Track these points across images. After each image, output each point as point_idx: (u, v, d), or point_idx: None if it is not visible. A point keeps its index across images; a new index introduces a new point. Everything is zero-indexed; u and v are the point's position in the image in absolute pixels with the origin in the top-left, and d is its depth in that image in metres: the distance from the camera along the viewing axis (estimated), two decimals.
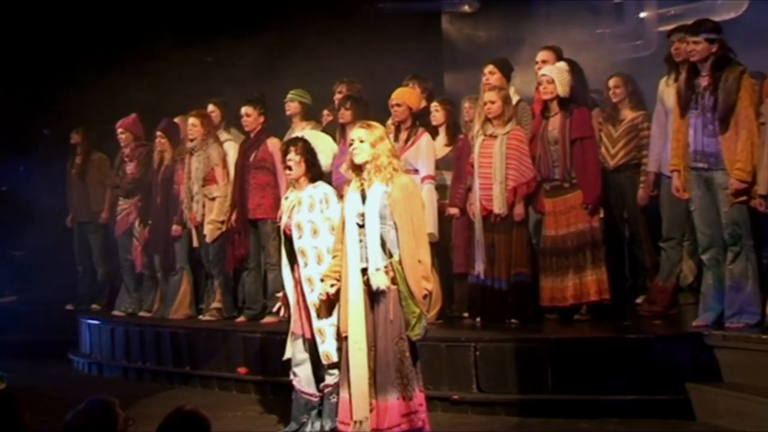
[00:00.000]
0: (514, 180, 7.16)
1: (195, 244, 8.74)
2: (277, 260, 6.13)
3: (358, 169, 5.08)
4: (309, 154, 5.56)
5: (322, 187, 5.61)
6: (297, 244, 5.55)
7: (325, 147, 5.71)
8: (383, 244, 4.98)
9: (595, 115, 7.53)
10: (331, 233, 5.39)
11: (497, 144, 7.20)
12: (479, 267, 7.25)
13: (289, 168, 5.57)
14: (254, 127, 8.27)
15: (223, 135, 8.85)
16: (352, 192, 5.10)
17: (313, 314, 5.42)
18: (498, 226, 7.22)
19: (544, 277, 7.16)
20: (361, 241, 5.00)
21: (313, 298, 5.39)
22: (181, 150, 8.88)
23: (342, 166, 5.23)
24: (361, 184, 5.07)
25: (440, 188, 7.58)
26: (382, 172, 5.01)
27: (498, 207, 7.17)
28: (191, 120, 8.55)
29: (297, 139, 5.64)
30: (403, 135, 7.47)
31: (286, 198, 5.71)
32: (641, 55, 9.28)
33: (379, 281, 4.94)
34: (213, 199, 8.52)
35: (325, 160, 5.67)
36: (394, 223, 4.97)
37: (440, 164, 7.64)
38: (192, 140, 8.51)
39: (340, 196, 5.43)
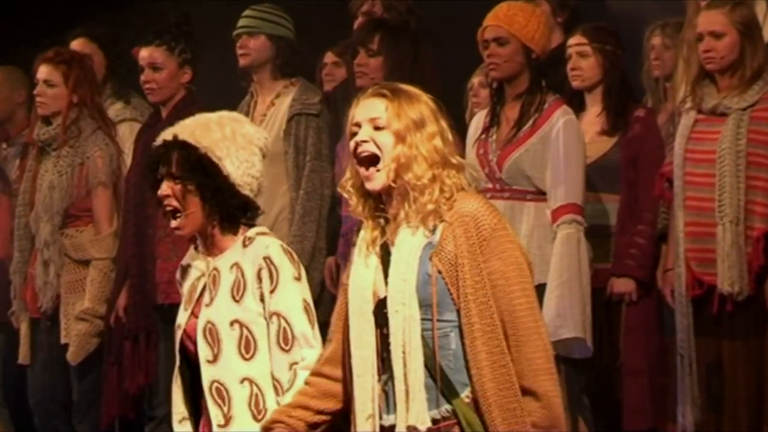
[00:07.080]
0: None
1: (23, 360, 8.37)
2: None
3: (372, 195, 4.96)
4: (209, 176, 5.37)
5: (260, 242, 5.49)
6: (207, 373, 5.41)
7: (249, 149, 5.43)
8: (432, 367, 4.78)
9: None
10: (282, 351, 5.33)
11: (728, 131, 6.98)
12: (687, 416, 6.92)
13: (171, 213, 5.46)
14: (169, 93, 7.95)
15: (114, 108, 8.71)
16: (362, 253, 5.00)
17: None
18: (731, 322, 6.95)
19: None
20: (383, 361, 4.82)
21: None
22: (15, 142, 8.89)
23: (343, 182, 5.11)
24: (382, 231, 4.93)
25: (593, 231, 7.13)
26: (419, 200, 4.83)
27: (729, 279, 6.87)
28: (45, 70, 8.17)
29: (172, 143, 5.40)
30: (511, 111, 7.08)
31: (185, 270, 5.68)
32: None
33: None
34: (86, 263, 8.12)
35: (249, 176, 5.43)
36: (458, 312, 4.74)
37: (594, 176, 7.32)
38: (48, 120, 8.25)
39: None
